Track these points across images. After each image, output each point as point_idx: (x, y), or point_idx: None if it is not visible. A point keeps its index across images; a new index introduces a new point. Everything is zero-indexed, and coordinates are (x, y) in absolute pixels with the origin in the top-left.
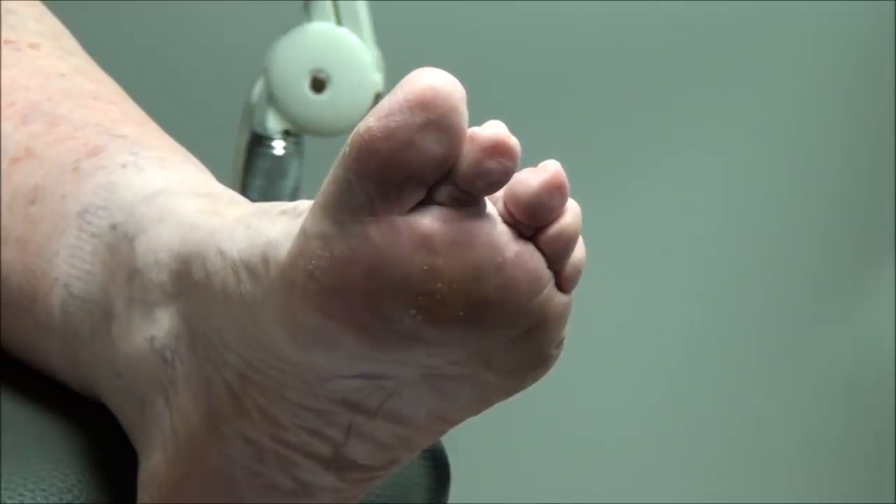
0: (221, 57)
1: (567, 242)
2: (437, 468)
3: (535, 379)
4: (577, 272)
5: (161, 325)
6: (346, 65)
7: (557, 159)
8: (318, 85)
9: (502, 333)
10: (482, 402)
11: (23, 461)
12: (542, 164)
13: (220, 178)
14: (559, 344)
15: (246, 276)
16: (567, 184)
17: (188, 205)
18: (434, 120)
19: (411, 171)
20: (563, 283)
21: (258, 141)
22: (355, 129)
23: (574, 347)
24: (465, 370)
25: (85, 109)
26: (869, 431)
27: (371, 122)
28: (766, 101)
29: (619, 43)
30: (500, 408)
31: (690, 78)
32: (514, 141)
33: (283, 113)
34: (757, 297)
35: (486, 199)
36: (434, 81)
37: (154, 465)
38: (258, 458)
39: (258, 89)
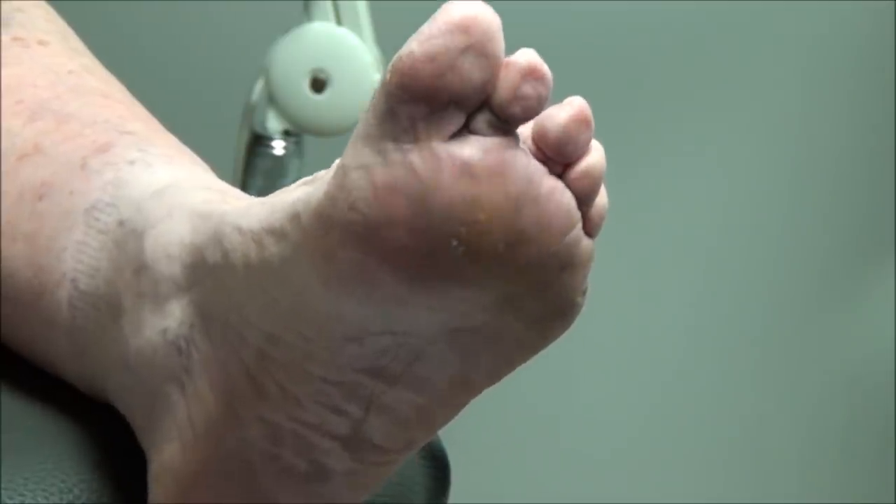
0: (221, 57)
1: (594, 181)
2: (437, 468)
3: (559, 330)
4: (601, 217)
5: (174, 317)
6: (346, 65)
7: None
8: (318, 85)
9: (535, 274)
10: (505, 362)
11: (23, 461)
12: (567, 100)
13: (220, 178)
14: (584, 292)
15: (271, 241)
16: (592, 119)
17: (196, 197)
18: (474, 44)
19: (453, 93)
20: (590, 226)
21: (258, 141)
22: (395, 56)
23: (574, 347)
24: (493, 319)
25: (93, 107)
26: (869, 431)
27: (413, 46)
28: (767, 100)
29: (618, 42)
30: (500, 408)
31: (690, 78)
32: (547, 68)
33: (283, 113)
34: (757, 297)
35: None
36: (472, 8)
37: (168, 457)
38: (275, 441)
39: (258, 89)
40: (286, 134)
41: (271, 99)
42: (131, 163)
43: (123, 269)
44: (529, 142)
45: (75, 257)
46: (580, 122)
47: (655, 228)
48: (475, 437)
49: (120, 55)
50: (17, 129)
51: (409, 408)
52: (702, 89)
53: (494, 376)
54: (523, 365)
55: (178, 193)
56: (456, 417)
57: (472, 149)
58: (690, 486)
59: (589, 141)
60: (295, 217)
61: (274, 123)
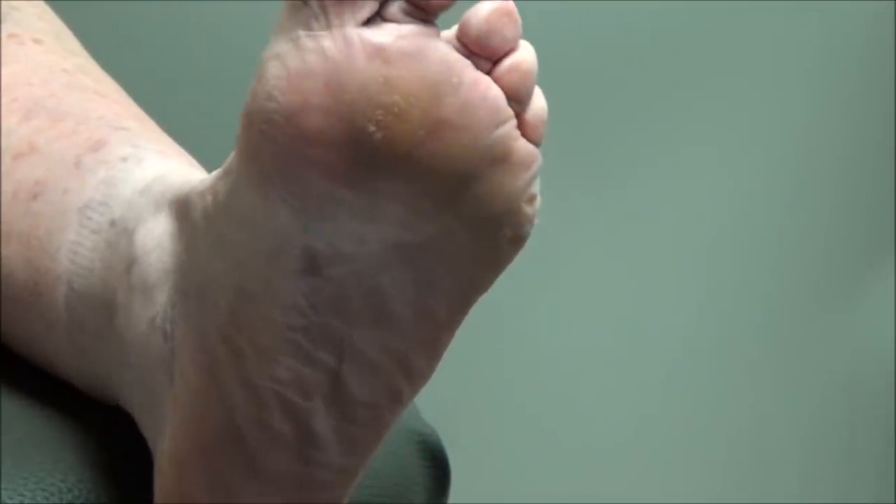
0: (221, 57)
1: (523, 77)
2: (437, 468)
3: (510, 244)
4: (540, 121)
5: (159, 303)
6: None
7: (558, 159)
8: None
9: (463, 167)
10: (463, 284)
11: (23, 461)
12: None
13: None
14: (531, 200)
15: (220, 183)
16: (517, 16)
17: (178, 185)
18: None
19: None
20: (526, 129)
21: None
22: None
23: (574, 347)
24: (437, 230)
25: (88, 103)
26: (869, 431)
27: None
28: (767, 100)
29: (619, 42)
30: (499, 408)
31: (691, 78)
32: None
33: None
34: (757, 297)
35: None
36: None
37: (164, 444)
38: (259, 405)
39: None
40: None
41: None
42: (124, 160)
43: (116, 267)
44: (455, 41)
45: (69, 258)
46: (502, 14)
47: (655, 228)
48: (475, 437)
49: (119, 55)
50: (13, 127)
51: (382, 353)
52: (701, 89)
53: (457, 304)
54: (487, 296)
55: (163, 186)
56: (456, 418)
57: (386, 33)
58: (691, 486)
59: (515, 37)
60: (235, 154)
61: None
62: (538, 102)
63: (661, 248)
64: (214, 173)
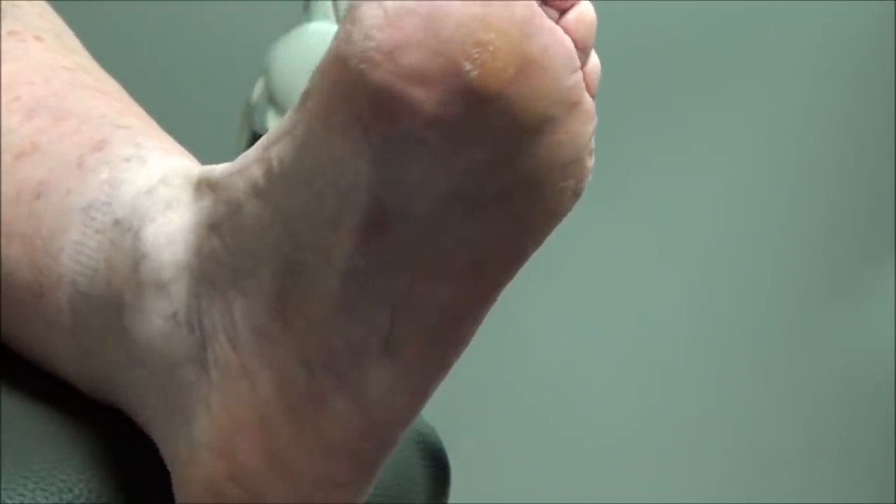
0: (221, 57)
1: (587, 28)
2: (437, 468)
3: (571, 196)
4: (596, 75)
5: (179, 299)
6: None
7: None
8: None
9: (545, 109)
10: (523, 237)
11: (23, 461)
12: None
13: None
14: (591, 153)
15: (277, 147)
16: None
17: (188, 184)
18: None
19: None
20: (588, 80)
21: (258, 141)
22: None
23: (574, 346)
24: (508, 178)
25: (89, 102)
26: (869, 431)
27: None
28: (767, 100)
29: (620, 43)
30: (499, 407)
31: (690, 78)
32: None
33: (283, 113)
34: (757, 297)
35: None
36: None
37: (199, 434)
38: (311, 376)
39: (258, 89)
40: None
41: (271, 99)
42: (127, 160)
43: (121, 266)
44: None
45: (73, 258)
46: None
47: (656, 227)
48: (475, 437)
49: (119, 55)
50: (15, 126)
51: (433, 310)
52: (702, 90)
53: (513, 259)
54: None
55: (171, 186)
56: (456, 418)
57: None
58: (690, 487)
59: None
60: (304, 98)
61: (274, 123)
62: (594, 59)
63: (662, 248)
64: (254, 148)
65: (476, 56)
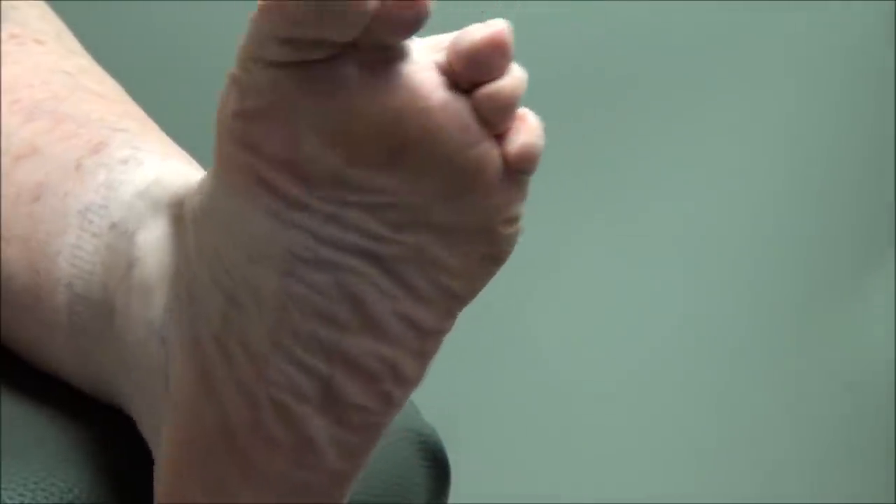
0: (221, 57)
1: (503, 104)
2: (437, 468)
3: (487, 262)
4: (529, 152)
5: (158, 306)
6: None
7: (559, 158)
8: None
9: (428, 187)
10: (445, 295)
11: (23, 461)
12: (489, 21)
13: None
14: (509, 222)
15: (205, 187)
16: (511, 46)
17: (176, 187)
18: None
19: (323, 31)
20: (510, 158)
21: None
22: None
23: (574, 346)
24: (409, 240)
25: (88, 104)
26: (869, 431)
27: None
28: (766, 99)
29: (618, 43)
30: (499, 407)
31: (690, 78)
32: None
33: None
34: (757, 297)
35: (427, 49)
36: None
37: (161, 450)
38: (252, 405)
39: None
40: None
41: None
42: (124, 162)
43: (116, 270)
44: (444, 53)
45: (70, 261)
46: (494, 44)
47: (655, 227)
48: (475, 437)
49: (119, 55)
50: (15, 128)
51: (372, 359)
52: (699, 89)
53: (441, 314)
54: (473, 305)
55: (161, 188)
56: (456, 418)
57: (351, 65)
58: (690, 487)
59: (503, 66)
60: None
61: None
62: (529, 136)
63: (661, 248)
64: (203, 175)
65: (341, 141)
